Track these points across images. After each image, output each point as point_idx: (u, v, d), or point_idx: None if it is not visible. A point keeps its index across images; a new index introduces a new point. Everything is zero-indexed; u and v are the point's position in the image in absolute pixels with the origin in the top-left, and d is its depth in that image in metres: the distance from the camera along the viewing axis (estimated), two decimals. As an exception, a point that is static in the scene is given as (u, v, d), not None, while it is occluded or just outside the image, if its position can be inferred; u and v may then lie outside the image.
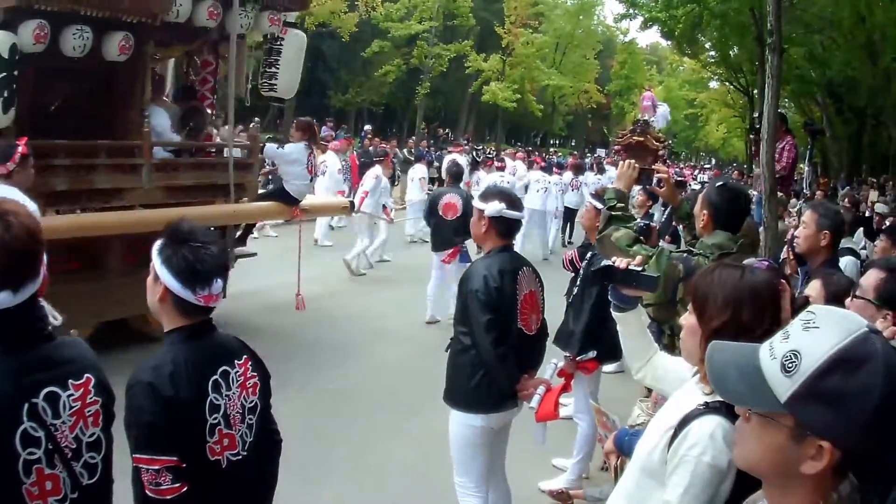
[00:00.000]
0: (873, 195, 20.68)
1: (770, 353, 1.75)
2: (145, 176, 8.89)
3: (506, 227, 5.13)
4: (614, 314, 3.53)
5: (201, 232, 3.16)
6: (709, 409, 2.63)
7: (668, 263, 4.29)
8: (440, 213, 11.30)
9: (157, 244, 3.12)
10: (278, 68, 10.30)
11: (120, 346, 7.96)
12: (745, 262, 3.18)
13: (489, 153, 37.75)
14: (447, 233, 11.28)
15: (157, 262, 3.09)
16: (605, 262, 3.51)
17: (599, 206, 5.85)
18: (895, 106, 27.81)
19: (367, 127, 35.46)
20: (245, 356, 3.30)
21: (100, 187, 8.57)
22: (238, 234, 10.99)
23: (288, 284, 11.33)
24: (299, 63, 10.70)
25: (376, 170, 16.26)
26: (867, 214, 14.70)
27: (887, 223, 11.61)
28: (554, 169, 21.37)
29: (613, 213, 4.74)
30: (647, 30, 33.67)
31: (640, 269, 3.37)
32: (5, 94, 7.37)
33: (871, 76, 27.26)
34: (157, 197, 9.06)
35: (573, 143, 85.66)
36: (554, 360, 5.49)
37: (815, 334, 1.70)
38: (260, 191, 11.66)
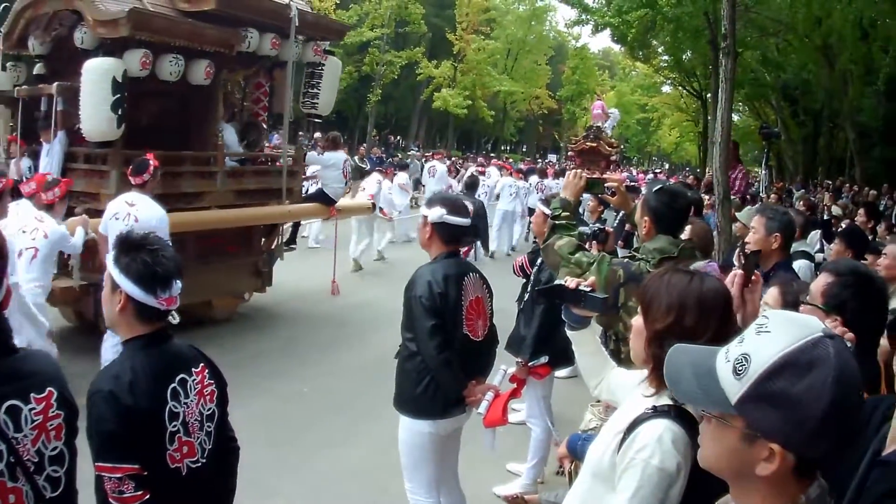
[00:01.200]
0: (828, 198, 20.91)
1: (725, 356, 1.78)
2: (220, 181, 10.59)
3: (449, 233, 5.15)
4: (568, 333, 3.58)
5: (151, 238, 3.26)
6: (657, 412, 2.67)
7: (609, 269, 4.34)
8: None
9: (111, 255, 3.21)
10: (319, 90, 11.92)
11: (72, 357, 7.83)
12: (693, 266, 3.23)
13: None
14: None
15: (115, 273, 3.16)
16: (557, 281, 3.59)
17: (548, 211, 5.90)
18: (851, 108, 28.18)
19: (318, 135, 35.40)
20: (202, 364, 3.38)
21: (185, 191, 10.11)
22: (289, 233, 13.20)
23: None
24: (336, 84, 12.47)
25: (377, 176, 18.97)
26: (825, 217, 14.86)
27: (843, 225, 11.71)
28: (514, 173, 22.84)
29: (557, 222, 4.78)
30: (599, 35, 33.81)
31: (588, 289, 3.41)
32: (119, 113, 8.96)
33: (828, 79, 27.60)
34: (228, 199, 10.75)
35: (524, 149, 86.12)
36: (503, 366, 5.56)
37: (766, 338, 1.73)
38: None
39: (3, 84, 10.56)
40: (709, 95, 34.22)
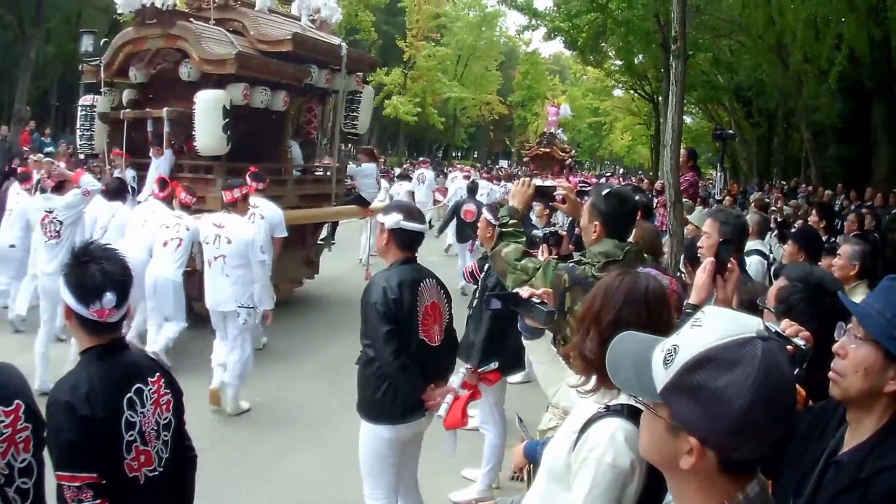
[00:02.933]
0: (776, 198, 21.12)
1: (661, 347, 1.80)
2: (289, 187, 13.13)
3: (405, 239, 5.25)
4: (524, 342, 3.65)
5: (100, 250, 3.36)
6: (610, 411, 2.72)
7: (554, 274, 4.42)
8: (461, 216, 15.96)
9: (63, 274, 3.34)
10: (358, 113, 14.48)
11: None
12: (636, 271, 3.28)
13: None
14: (468, 230, 15.45)
15: (62, 288, 3.28)
16: (514, 290, 3.69)
17: (491, 219, 6.08)
18: (806, 108, 28.41)
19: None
20: (158, 374, 3.47)
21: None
22: (329, 231, 15.62)
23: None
24: (370, 108, 15.16)
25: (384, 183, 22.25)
26: (778, 219, 15.01)
27: (797, 226, 11.85)
28: (489, 178, 27.01)
29: (504, 229, 4.83)
30: (551, 41, 34.00)
31: (537, 301, 3.45)
32: (227, 133, 11.42)
33: (782, 79, 27.80)
34: (294, 202, 12.94)
35: (476, 155, 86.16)
36: (463, 368, 5.65)
37: (698, 332, 1.75)
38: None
39: (102, 107, 12.88)
40: (660, 98, 34.33)
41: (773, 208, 15.14)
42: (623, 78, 47.29)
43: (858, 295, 5.33)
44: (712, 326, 1.74)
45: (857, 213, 15.39)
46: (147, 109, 12.49)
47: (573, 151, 30.66)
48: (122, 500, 3.19)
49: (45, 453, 3.08)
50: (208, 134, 11.38)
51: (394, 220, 5.16)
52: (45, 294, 9.21)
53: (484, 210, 6.99)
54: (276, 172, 12.96)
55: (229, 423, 8.17)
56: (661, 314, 2.91)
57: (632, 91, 51.05)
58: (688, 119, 43.79)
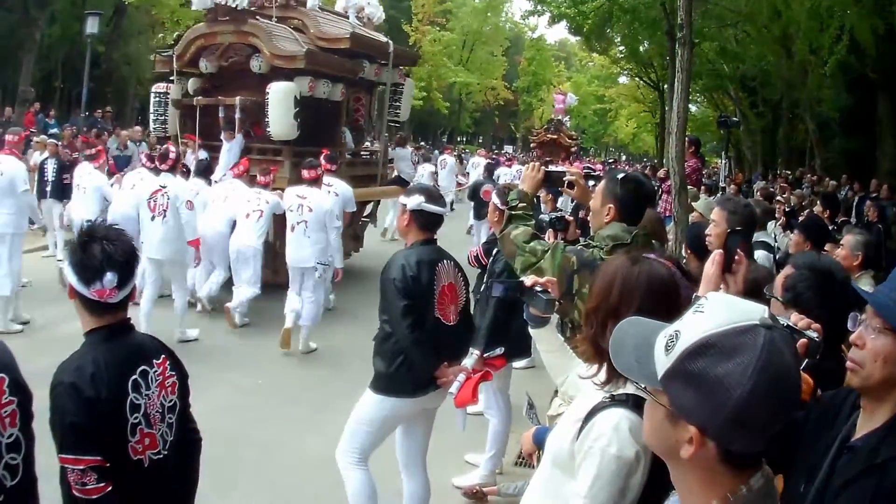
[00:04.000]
0: (779, 189, 21.09)
1: (665, 332, 1.78)
2: (343, 169, 14.01)
3: (425, 221, 5.48)
4: (531, 332, 3.65)
5: (105, 230, 3.34)
6: (615, 401, 2.70)
7: (563, 257, 4.42)
8: (481, 196, 15.74)
9: (67, 252, 3.35)
10: (400, 103, 16.09)
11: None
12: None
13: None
14: (486, 209, 15.87)
15: (66, 269, 3.29)
16: (519, 278, 3.76)
17: (500, 204, 6.09)
18: (811, 99, 28.26)
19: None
20: (163, 356, 3.46)
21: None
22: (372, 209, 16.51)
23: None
24: (410, 98, 17.24)
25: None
26: (786, 209, 15.00)
27: (801, 217, 11.86)
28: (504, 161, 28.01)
29: (514, 212, 4.86)
30: (555, 25, 33.92)
31: (538, 289, 3.46)
32: (297, 120, 12.92)
33: (787, 69, 27.67)
34: (346, 182, 13.00)
35: (480, 140, 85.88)
36: (475, 349, 5.85)
37: (699, 317, 1.72)
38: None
39: (174, 94, 14.24)
40: (666, 86, 34.24)
41: (780, 198, 15.11)
42: (628, 65, 47.22)
43: (863, 285, 5.34)
44: (714, 313, 1.72)
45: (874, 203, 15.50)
46: (219, 97, 13.86)
47: (579, 139, 30.80)
48: (126, 483, 3.17)
49: (44, 436, 3.06)
50: (281, 121, 12.87)
51: (416, 201, 5.39)
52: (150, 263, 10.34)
53: (493, 194, 7.05)
54: (334, 156, 14.27)
55: (228, 408, 8.16)
56: (677, 303, 2.83)
57: (637, 79, 50.90)
58: (693, 107, 43.59)
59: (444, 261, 5.50)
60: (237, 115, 13.46)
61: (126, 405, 3.20)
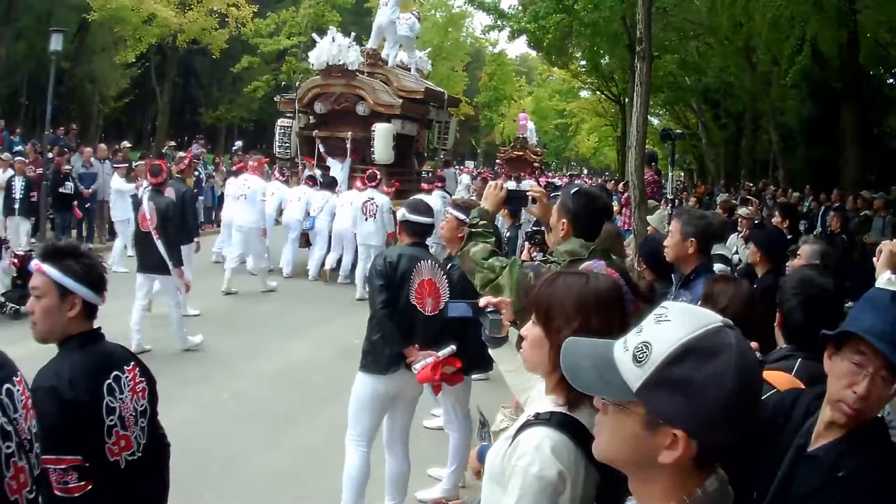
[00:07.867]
0: (740, 200, 21.29)
1: (624, 346, 1.82)
2: (414, 185, 20.05)
3: (413, 229, 6.53)
4: (490, 352, 3.68)
5: (70, 247, 3.59)
6: (538, 420, 2.73)
7: (520, 272, 4.48)
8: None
9: (55, 269, 3.43)
10: (448, 135, 23.35)
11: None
12: (582, 266, 3.32)
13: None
14: None
15: (68, 283, 3.42)
16: (473, 300, 3.82)
17: (461, 216, 6.55)
18: (774, 109, 28.54)
19: (238, 143, 35.57)
20: (132, 363, 3.69)
21: (402, 190, 18.18)
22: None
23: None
24: (454, 131, 24.16)
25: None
26: (756, 221, 15.12)
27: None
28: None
29: (474, 229, 4.91)
30: (515, 41, 34.10)
31: (490, 309, 3.55)
32: (394, 150, 18.66)
33: (750, 80, 27.94)
34: (415, 194, 15.52)
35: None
36: (453, 346, 6.18)
37: (667, 326, 1.78)
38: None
39: (296, 127, 20.18)
40: (627, 100, 34.46)
41: (741, 211, 15.26)
42: (589, 79, 47.60)
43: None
44: (681, 320, 1.78)
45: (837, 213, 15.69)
46: (333, 132, 19.56)
47: (542, 155, 31.59)
48: (104, 483, 3.34)
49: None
50: (384, 150, 18.52)
51: (401, 213, 6.59)
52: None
53: (450, 208, 7.21)
54: (410, 174, 20.89)
55: (191, 423, 8.19)
56: (624, 315, 2.84)
57: (598, 93, 51.33)
58: (654, 121, 43.87)
59: (429, 261, 6.46)
60: (348, 145, 19.11)
61: (102, 408, 3.39)
